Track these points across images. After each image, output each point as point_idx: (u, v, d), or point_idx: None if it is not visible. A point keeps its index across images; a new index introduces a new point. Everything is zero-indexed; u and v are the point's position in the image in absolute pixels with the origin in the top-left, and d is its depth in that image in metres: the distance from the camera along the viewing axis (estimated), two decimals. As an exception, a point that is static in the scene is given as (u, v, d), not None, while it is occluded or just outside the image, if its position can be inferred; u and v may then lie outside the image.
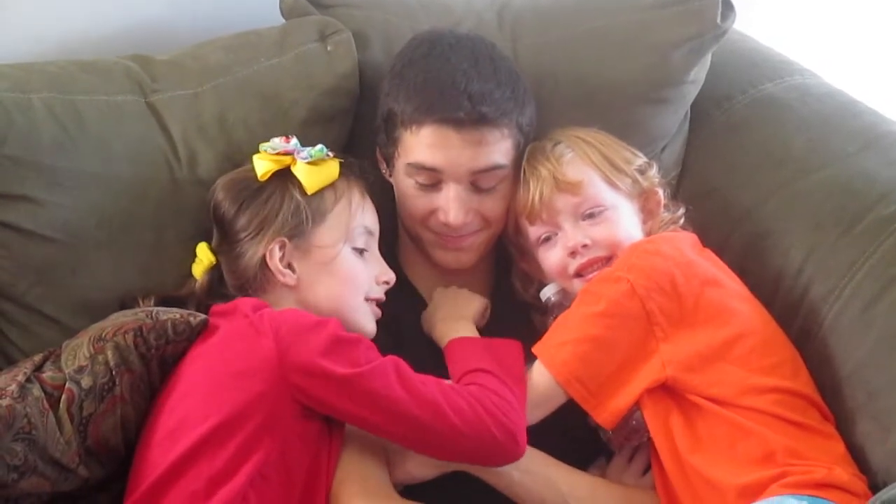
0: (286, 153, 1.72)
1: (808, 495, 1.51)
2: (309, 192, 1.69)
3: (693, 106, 1.99)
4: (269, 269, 1.68)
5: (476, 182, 1.75)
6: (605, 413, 1.62)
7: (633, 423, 1.70)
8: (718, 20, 1.89)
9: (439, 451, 1.57)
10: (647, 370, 1.63)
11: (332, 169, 1.72)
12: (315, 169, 1.70)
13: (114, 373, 1.57)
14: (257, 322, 1.56)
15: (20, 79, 1.75)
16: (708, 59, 1.95)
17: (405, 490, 1.63)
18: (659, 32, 1.91)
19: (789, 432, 1.59)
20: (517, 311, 1.84)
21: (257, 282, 1.69)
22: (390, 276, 1.74)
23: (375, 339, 1.72)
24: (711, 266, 1.72)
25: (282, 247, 1.68)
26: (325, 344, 1.53)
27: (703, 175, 1.97)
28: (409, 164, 1.75)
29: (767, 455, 1.57)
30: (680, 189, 1.95)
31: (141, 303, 1.70)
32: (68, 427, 1.55)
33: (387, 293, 1.78)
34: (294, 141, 1.73)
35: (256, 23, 1.94)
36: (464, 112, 1.70)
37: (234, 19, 1.97)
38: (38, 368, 1.60)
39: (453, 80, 1.72)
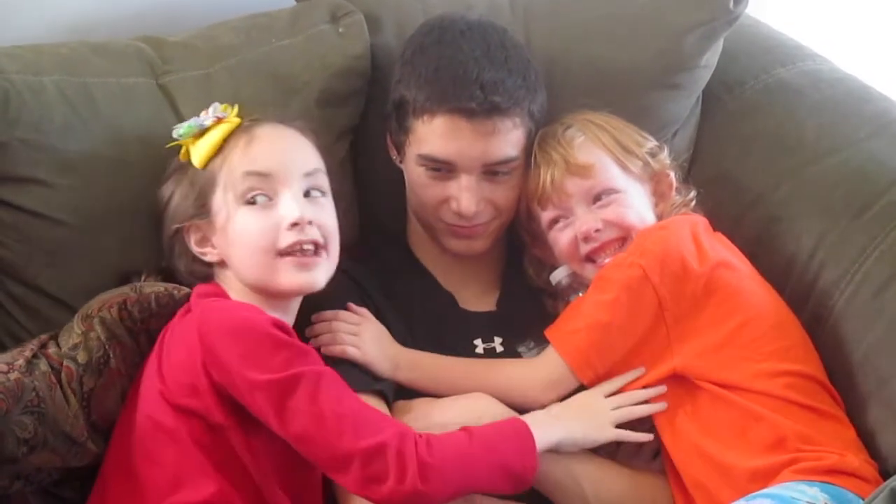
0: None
1: (820, 481, 1.51)
2: (199, 167, 1.65)
3: (705, 91, 1.98)
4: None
5: (488, 171, 1.75)
6: None
7: None
8: (731, 5, 1.89)
9: (337, 475, 1.51)
10: (658, 356, 1.63)
11: (218, 133, 1.65)
12: (200, 141, 1.66)
13: (106, 347, 1.59)
14: (195, 314, 1.56)
15: (31, 61, 1.74)
16: (720, 44, 1.94)
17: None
18: (671, 17, 1.90)
19: (801, 417, 1.59)
20: (529, 297, 1.84)
21: (189, 267, 1.67)
22: (294, 217, 1.60)
23: (387, 321, 1.73)
24: (723, 249, 1.72)
25: (197, 229, 1.65)
26: (243, 345, 1.50)
27: (715, 160, 1.96)
28: (420, 156, 1.75)
29: (779, 440, 1.57)
30: (691, 174, 1.94)
31: (143, 279, 1.70)
32: (74, 402, 1.57)
33: (397, 273, 1.79)
34: (209, 111, 1.67)
35: (268, 5, 1.93)
36: (476, 102, 1.69)
37: (246, 1, 1.96)
38: (44, 346, 1.61)
39: (465, 68, 1.71)
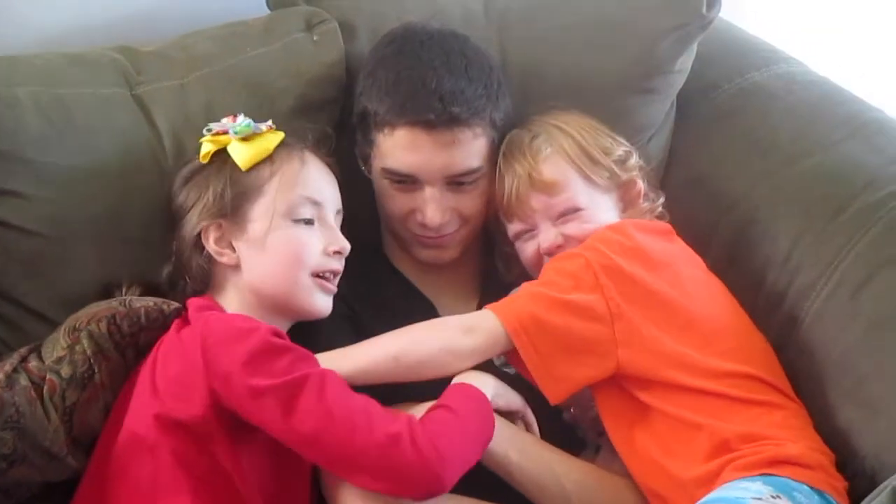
0: (223, 132, 1.69)
1: (760, 474, 1.51)
2: (243, 168, 1.66)
3: (679, 95, 1.99)
4: (209, 253, 1.66)
5: (452, 182, 1.74)
6: (552, 380, 1.61)
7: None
8: (704, 9, 1.89)
9: (353, 472, 1.50)
10: (601, 353, 1.61)
11: (267, 142, 1.68)
12: (248, 144, 1.67)
13: (91, 361, 1.59)
14: (195, 327, 1.56)
15: (5, 72, 1.74)
16: (694, 48, 1.95)
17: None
18: (645, 22, 1.91)
19: (743, 415, 1.59)
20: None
21: (200, 269, 1.67)
22: (341, 244, 1.68)
23: (371, 326, 1.72)
24: (675, 252, 1.72)
25: (217, 228, 1.66)
26: (247, 353, 1.50)
27: (691, 165, 1.97)
28: (383, 169, 1.75)
29: (720, 445, 1.57)
30: (667, 179, 1.96)
31: (125, 291, 1.69)
32: (55, 416, 1.56)
33: (376, 280, 1.79)
34: (240, 119, 1.70)
35: (243, 14, 1.94)
36: (434, 114, 1.68)
37: (221, 10, 1.96)
38: (24, 360, 1.60)
39: (423, 80, 1.70)
